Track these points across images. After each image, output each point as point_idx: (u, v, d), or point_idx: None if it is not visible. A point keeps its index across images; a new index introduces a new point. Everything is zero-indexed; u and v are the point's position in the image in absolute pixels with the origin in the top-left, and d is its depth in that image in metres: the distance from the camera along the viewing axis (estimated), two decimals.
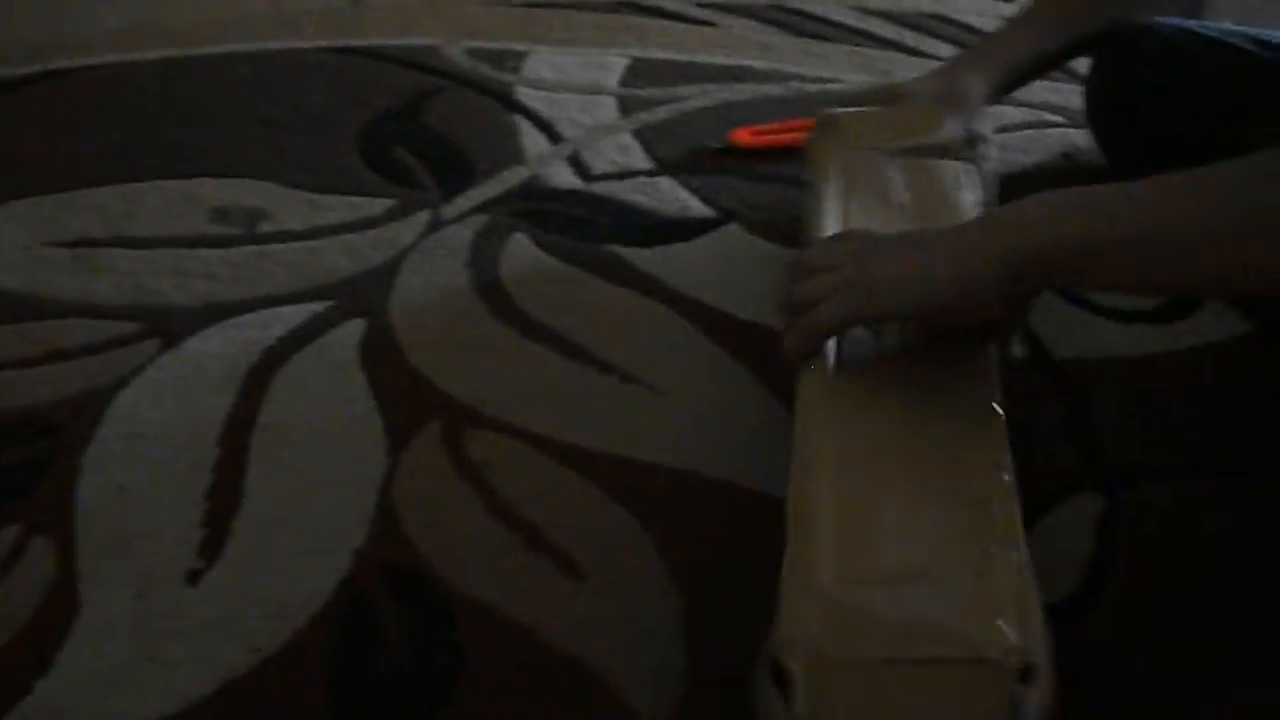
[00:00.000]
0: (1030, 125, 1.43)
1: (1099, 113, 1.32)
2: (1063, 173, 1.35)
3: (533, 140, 1.34)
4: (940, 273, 0.85)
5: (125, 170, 1.25)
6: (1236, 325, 1.12)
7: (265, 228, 1.18)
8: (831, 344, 0.89)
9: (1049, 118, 1.45)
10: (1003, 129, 1.41)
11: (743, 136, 1.34)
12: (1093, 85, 1.32)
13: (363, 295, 1.10)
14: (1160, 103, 1.22)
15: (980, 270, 0.84)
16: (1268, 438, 0.99)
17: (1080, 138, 1.40)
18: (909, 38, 1.64)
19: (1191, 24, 1.25)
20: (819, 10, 1.67)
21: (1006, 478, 0.77)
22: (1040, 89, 1.50)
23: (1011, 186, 1.28)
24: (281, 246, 1.16)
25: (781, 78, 1.51)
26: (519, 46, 1.53)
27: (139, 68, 1.43)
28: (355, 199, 1.23)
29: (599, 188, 1.27)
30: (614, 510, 0.91)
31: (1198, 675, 0.81)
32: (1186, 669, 0.82)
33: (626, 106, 1.41)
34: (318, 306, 1.08)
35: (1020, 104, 1.46)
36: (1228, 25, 1.25)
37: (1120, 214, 0.83)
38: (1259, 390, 1.05)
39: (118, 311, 1.07)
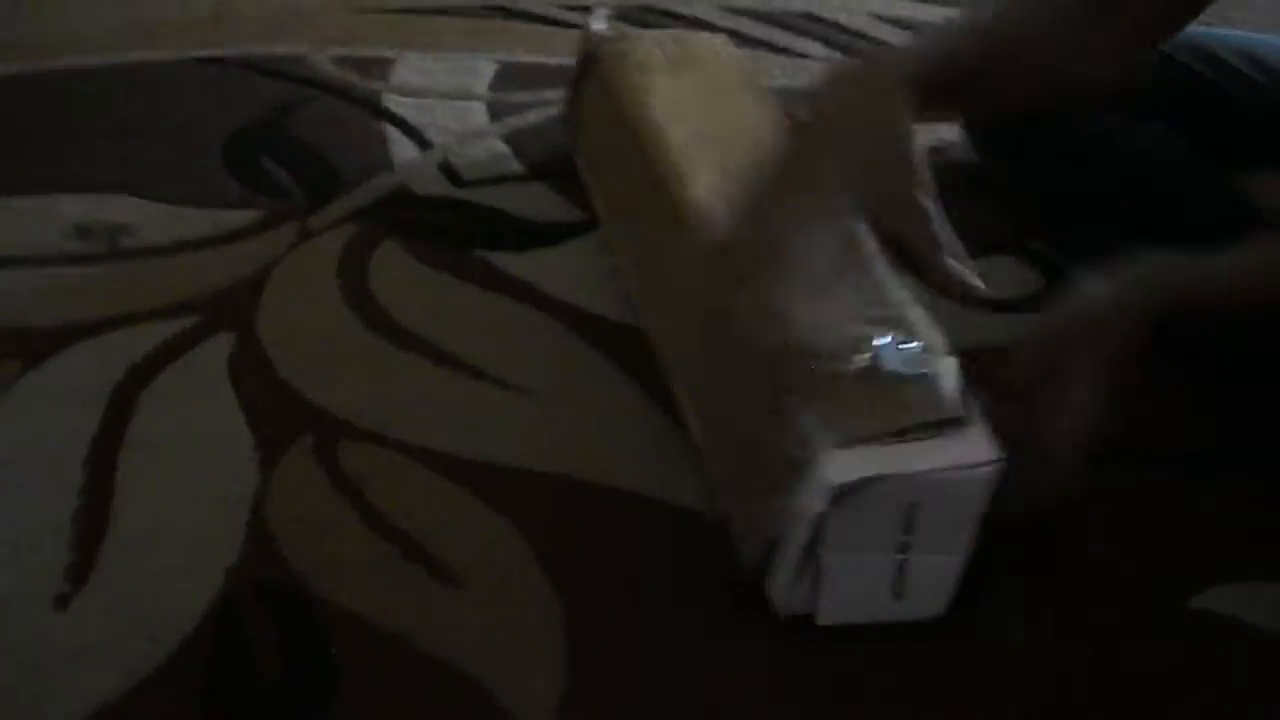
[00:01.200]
0: None
1: None
2: (929, 167, 1.36)
3: (402, 148, 1.33)
4: None
5: None
6: None
7: (128, 243, 1.15)
8: None
9: None
10: None
11: None
12: None
13: (230, 309, 1.08)
14: None
15: None
16: (1138, 423, 1.01)
17: (948, 131, 1.42)
18: (779, 36, 1.65)
19: None
20: (686, 10, 1.67)
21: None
22: None
23: None
24: (145, 262, 1.13)
25: None
26: (387, 54, 1.51)
27: None
28: (221, 212, 1.20)
29: (469, 194, 1.26)
30: (490, 517, 0.90)
31: (1074, 650, 0.83)
32: (1064, 646, 0.83)
33: (496, 111, 1.41)
34: (184, 322, 1.06)
35: None
36: None
37: None
38: (1129, 377, 1.07)
39: None
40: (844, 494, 0.76)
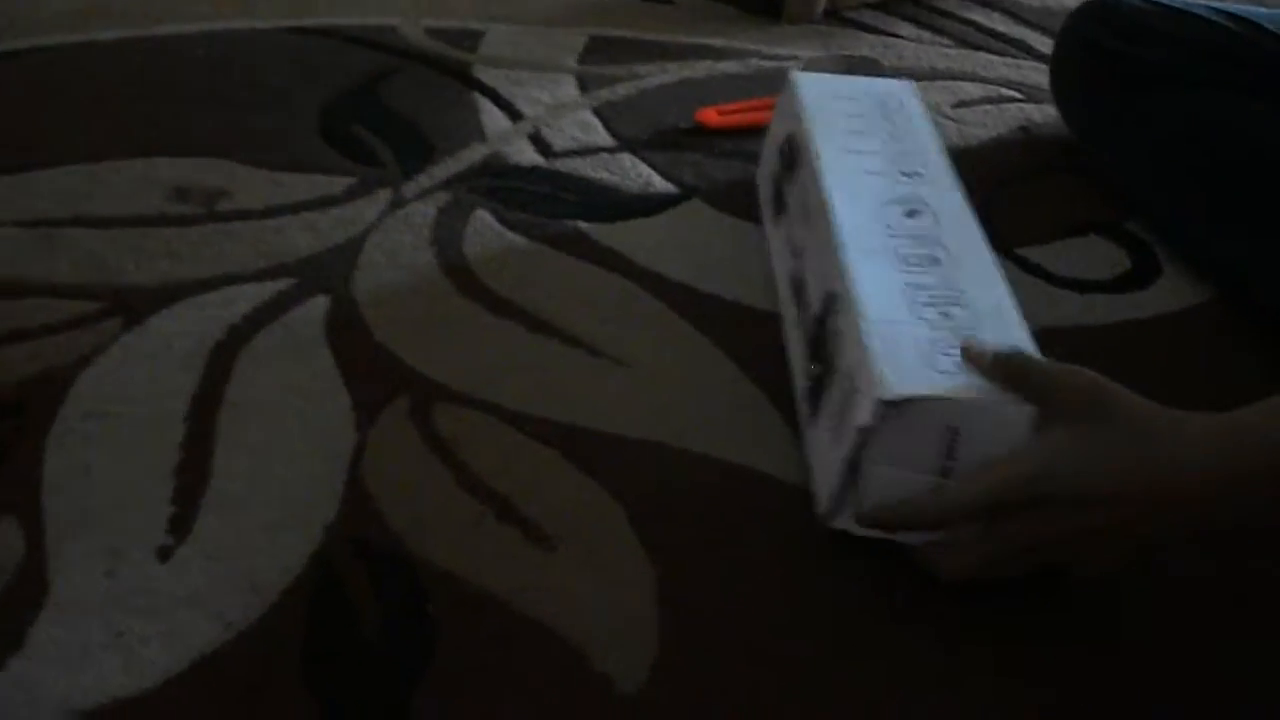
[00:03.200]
0: (988, 100, 1.44)
1: (1062, 80, 1.33)
2: (1020, 145, 1.36)
3: (493, 118, 1.34)
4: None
5: (82, 150, 1.23)
6: (1195, 294, 1.14)
7: (225, 206, 1.17)
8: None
9: (1006, 92, 1.46)
10: (961, 103, 1.42)
11: (710, 116, 1.34)
12: (1057, 53, 1.34)
13: (326, 273, 1.09)
14: (1123, 70, 1.24)
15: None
16: (1229, 404, 1.00)
17: (1036, 112, 1.41)
18: (867, 15, 1.65)
19: None
20: None
21: None
22: (999, 64, 1.52)
23: (969, 158, 1.29)
24: (242, 225, 1.15)
25: (739, 55, 1.51)
26: (477, 25, 1.52)
27: (93, 48, 1.42)
28: (316, 177, 1.22)
29: (561, 164, 1.27)
30: (583, 481, 0.91)
31: (1147, 629, 0.83)
32: (1138, 621, 0.83)
33: (586, 84, 1.41)
34: (281, 284, 1.08)
35: (978, 79, 1.47)
36: None
37: None
38: (1220, 357, 1.06)
39: (78, 291, 1.06)
40: (890, 410, 0.79)
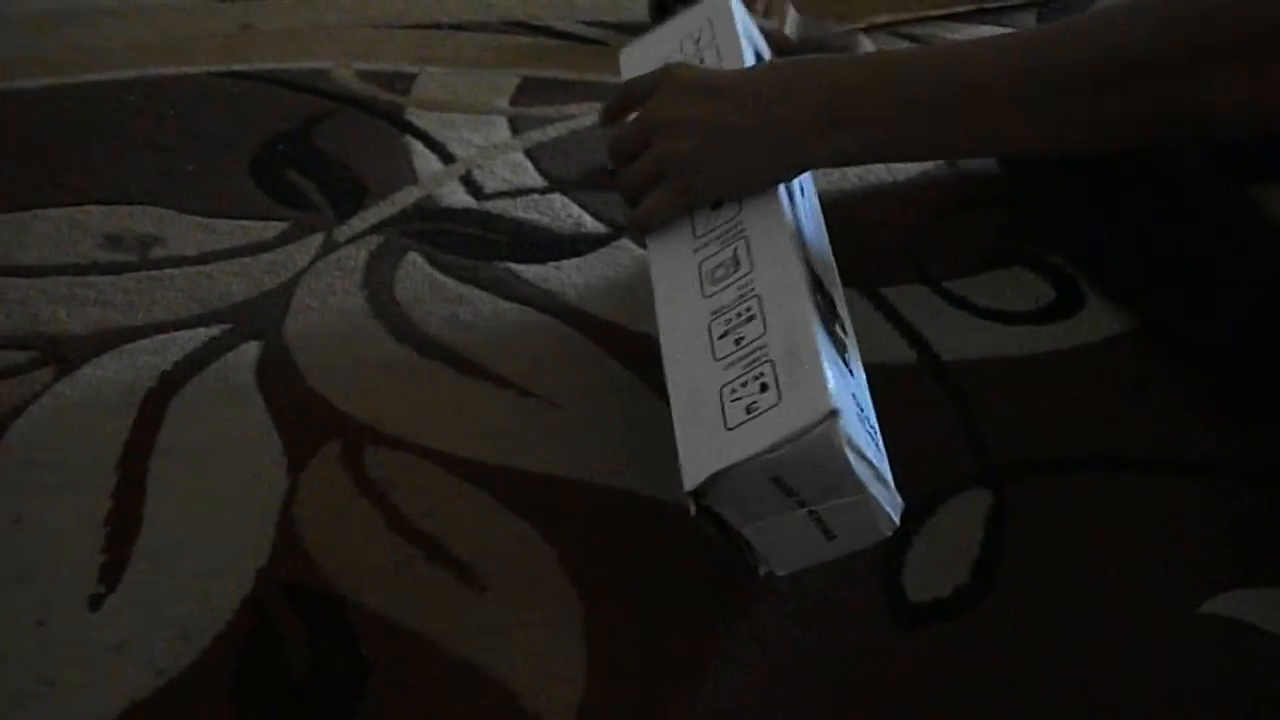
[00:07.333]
0: None
1: None
2: (947, 179, 1.38)
3: (425, 160, 1.35)
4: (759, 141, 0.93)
5: (11, 199, 1.24)
6: (1118, 324, 1.16)
7: (158, 253, 1.18)
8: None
9: None
10: None
11: None
12: None
13: (258, 318, 1.10)
14: None
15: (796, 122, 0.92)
16: (1148, 432, 1.02)
17: None
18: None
19: None
20: None
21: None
22: None
23: (897, 193, 1.31)
24: (175, 271, 1.16)
25: None
26: (409, 68, 1.54)
27: (20, 95, 1.42)
28: (248, 223, 1.23)
29: (492, 206, 1.28)
30: (513, 521, 0.92)
31: (1083, 656, 0.84)
32: (1073, 651, 0.84)
33: (518, 125, 1.43)
34: (213, 330, 1.08)
35: None
36: None
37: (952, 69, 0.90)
38: (1140, 386, 1.08)
39: (9, 340, 1.06)
40: (701, 495, 0.79)
